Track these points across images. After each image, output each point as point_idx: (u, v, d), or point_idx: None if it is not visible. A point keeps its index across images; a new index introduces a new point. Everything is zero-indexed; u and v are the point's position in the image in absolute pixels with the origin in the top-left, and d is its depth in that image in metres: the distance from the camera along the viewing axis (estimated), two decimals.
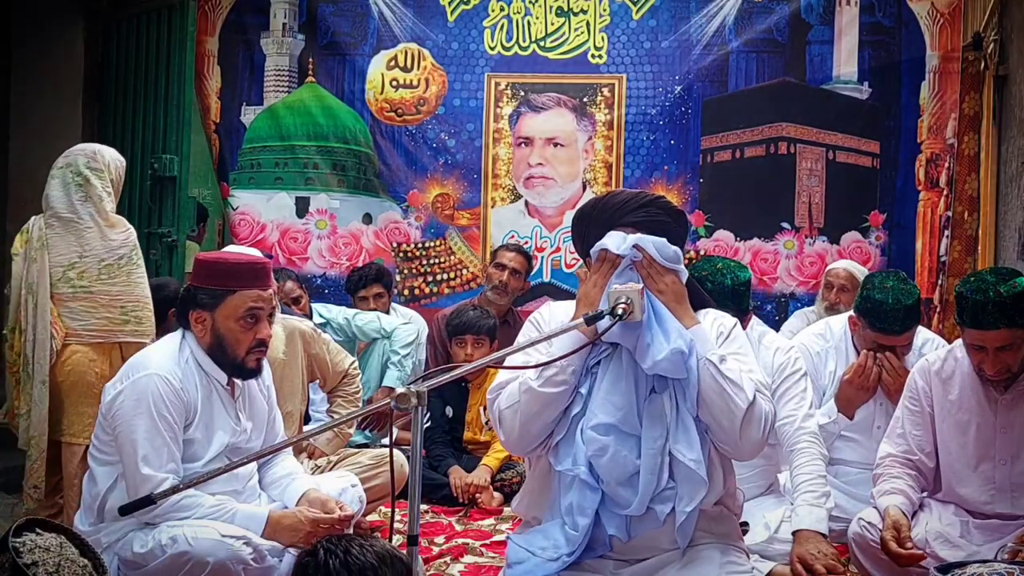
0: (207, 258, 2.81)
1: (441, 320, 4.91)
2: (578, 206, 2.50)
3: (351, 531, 2.80)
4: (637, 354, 2.26)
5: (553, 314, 2.47)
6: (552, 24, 5.58)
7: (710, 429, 2.30)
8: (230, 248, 3.77)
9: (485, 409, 4.15)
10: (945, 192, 5.24)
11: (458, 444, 4.29)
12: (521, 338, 2.45)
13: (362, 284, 4.97)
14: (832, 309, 4.53)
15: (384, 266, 5.25)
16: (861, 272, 4.71)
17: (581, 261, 2.54)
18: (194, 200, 5.01)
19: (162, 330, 3.42)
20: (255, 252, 3.31)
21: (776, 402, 3.11)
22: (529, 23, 5.59)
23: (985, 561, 2.42)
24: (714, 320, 2.44)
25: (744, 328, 3.17)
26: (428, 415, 4.27)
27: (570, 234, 2.56)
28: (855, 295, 3.62)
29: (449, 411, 4.30)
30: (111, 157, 3.57)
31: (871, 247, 5.37)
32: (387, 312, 4.99)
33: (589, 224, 2.41)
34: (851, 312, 3.50)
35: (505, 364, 2.34)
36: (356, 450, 3.84)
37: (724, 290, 3.15)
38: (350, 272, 5.22)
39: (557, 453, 2.34)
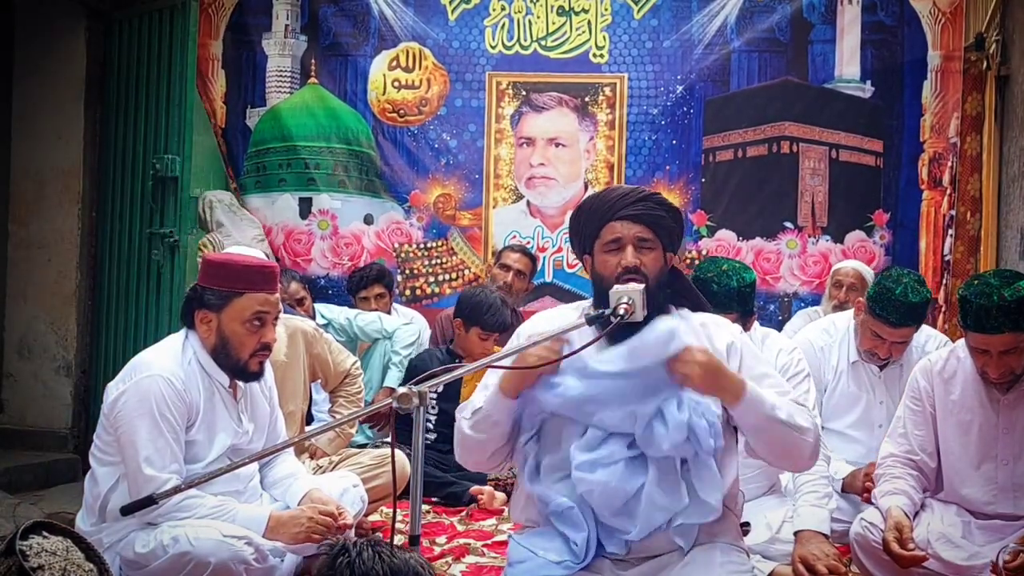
0: (216, 259, 2.81)
1: (445, 320, 4.91)
2: (577, 205, 2.51)
3: (352, 533, 2.81)
4: (639, 442, 2.23)
5: (536, 327, 2.46)
6: (553, 23, 5.58)
7: (767, 461, 2.40)
8: (236, 249, 3.77)
9: None
10: (948, 191, 5.23)
11: (450, 425, 4.25)
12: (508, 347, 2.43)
13: (363, 284, 4.97)
14: (840, 308, 4.53)
15: (385, 266, 5.25)
16: (868, 272, 4.71)
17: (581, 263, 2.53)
18: (195, 200, 5.02)
19: None
20: (260, 254, 3.31)
21: None
22: (530, 22, 5.58)
23: None
24: (718, 328, 2.44)
25: (747, 330, 3.18)
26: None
27: (568, 234, 2.57)
28: (864, 294, 3.63)
29: (439, 386, 4.25)
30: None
31: (875, 246, 5.36)
32: (388, 312, 4.99)
33: (587, 219, 2.41)
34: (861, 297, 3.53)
35: (503, 364, 2.33)
36: (358, 450, 3.85)
37: (730, 292, 3.15)
38: (351, 273, 5.22)
39: (545, 485, 2.33)
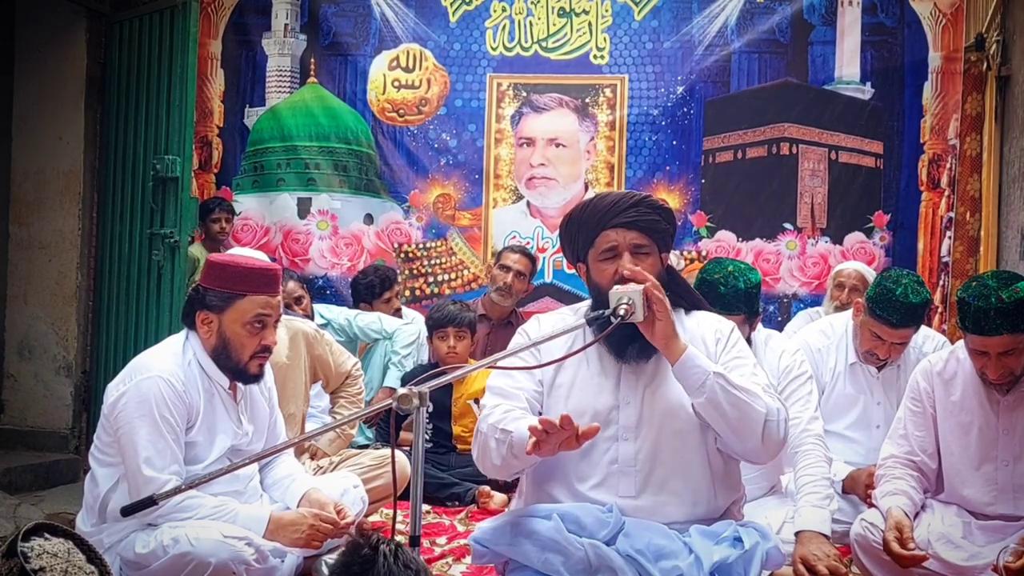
0: (218, 260, 2.80)
1: None
2: (567, 212, 2.51)
3: (353, 533, 2.81)
4: None
5: (542, 328, 2.47)
6: (554, 25, 5.58)
7: (728, 444, 2.31)
8: (239, 251, 3.76)
9: (477, 402, 4.15)
10: (947, 193, 5.24)
11: (446, 438, 4.28)
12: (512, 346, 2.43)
13: (387, 285, 4.96)
14: (842, 309, 4.52)
15: (386, 266, 5.26)
16: (870, 273, 4.71)
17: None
18: (196, 200, 5.02)
19: None
20: (264, 256, 3.31)
21: None
22: (531, 24, 5.59)
23: None
24: (710, 325, 2.44)
25: (753, 329, 3.19)
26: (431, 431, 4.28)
27: (560, 242, 2.57)
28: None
29: (429, 406, 4.28)
30: None
31: (875, 247, 5.36)
32: (399, 313, 5.00)
33: (579, 228, 2.41)
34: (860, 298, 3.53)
35: (502, 365, 2.33)
36: (358, 451, 3.85)
37: (737, 293, 3.14)
38: (359, 277, 5.09)
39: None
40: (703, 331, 2.43)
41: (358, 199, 5.66)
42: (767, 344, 3.28)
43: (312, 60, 5.65)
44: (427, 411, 4.29)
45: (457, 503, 3.98)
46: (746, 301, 3.15)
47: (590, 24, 5.55)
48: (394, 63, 5.64)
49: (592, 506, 2.31)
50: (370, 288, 4.97)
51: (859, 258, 5.22)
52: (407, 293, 5.59)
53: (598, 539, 2.22)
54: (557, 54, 5.58)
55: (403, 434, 4.19)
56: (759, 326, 3.35)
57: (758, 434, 2.25)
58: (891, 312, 3.29)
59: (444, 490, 4.01)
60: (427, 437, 4.27)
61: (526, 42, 5.59)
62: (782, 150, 5.45)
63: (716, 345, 2.39)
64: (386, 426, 4.07)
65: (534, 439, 2.12)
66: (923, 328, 3.65)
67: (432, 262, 5.63)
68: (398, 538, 1.92)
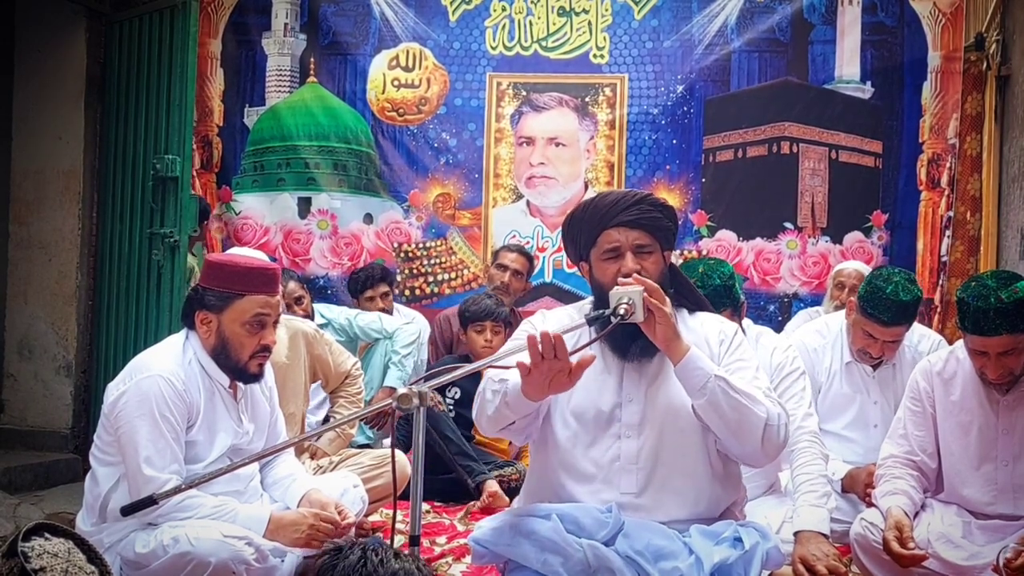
0: (217, 260, 2.80)
1: (444, 321, 4.92)
2: (568, 212, 2.50)
3: (353, 533, 2.81)
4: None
5: (547, 322, 2.47)
6: (554, 24, 5.58)
7: (727, 447, 2.30)
8: (238, 250, 3.76)
9: None
10: (946, 192, 5.24)
11: (467, 427, 4.27)
12: (513, 343, 2.42)
13: (369, 284, 4.97)
14: (842, 309, 4.52)
15: (386, 266, 5.26)
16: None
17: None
18: (196, 200, 5.01)
19: None
20: (263, 256, 3.31)
21: None
22: (531, 23, 5.59)
23: None
24: (714, 326, 2.45)
25: (742, 318, 3.20)
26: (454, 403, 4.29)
27: (563, 241, 2.57)
28: None
29: (456, 392, 4.29)
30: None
31: (873, 247, 5.36)
32: (391, 311, 5.00)
33: (581, 227, 2.41)
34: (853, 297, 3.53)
35: (504, 364, 2.33)
36: (358, 450, 3.85)
37: (717, 290, 3.17)
38: (352, 273, 5.22)
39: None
40: (706, 332, 2.43)
41: (358, 199, 5.66)
42: (759, 341, 3.28)
43: (312, 60, 5.64)
44: (455, 396, 4.34)
45: (467, 479, 3.97)
46: (727, 295, 3.18)
47: (590, 23, 5.55)
48: (394, 62, 5.63)
49: (591, 506, 2.30)
50: (354, 283, 5.01)
51: (858, 257, 5.22)
52: (407, 292, 5.59)
53: (597, 540, 2.22)
54: (557, 53, 5.58)
55: None
56: (750, 323, 3.36)
57: (758, 438, 2.25)
58: (882, 310, 3.30)
59: (465, 458, 4.00)
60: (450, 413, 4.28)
61: (526, 41, 5.59)
62: (782, 149, 5.44)
63: (720, 346, 2.39)
64: (404, 428, 4.07)
65: (528, 362, 2.08)
66: (919, 327, 3.66)
67: (432, 261, 5.63)
68: (398, 538, 1.91)
